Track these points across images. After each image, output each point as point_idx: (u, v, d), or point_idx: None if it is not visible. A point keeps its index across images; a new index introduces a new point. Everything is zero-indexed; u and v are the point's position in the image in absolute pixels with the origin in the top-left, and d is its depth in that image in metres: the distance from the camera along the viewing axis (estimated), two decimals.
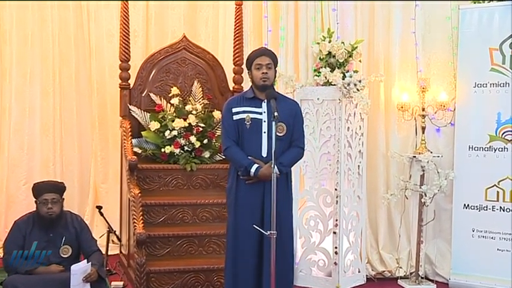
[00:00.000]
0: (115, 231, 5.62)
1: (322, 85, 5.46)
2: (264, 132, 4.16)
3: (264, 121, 4.17)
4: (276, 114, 3.85)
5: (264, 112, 4.18)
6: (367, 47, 5.98)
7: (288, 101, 4.39)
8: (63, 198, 4.46)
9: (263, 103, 4.20)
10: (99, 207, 5.67)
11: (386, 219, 5.97)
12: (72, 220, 4.49)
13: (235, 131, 4.21)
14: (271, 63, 4.22)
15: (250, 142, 4.18)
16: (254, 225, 4.01)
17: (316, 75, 5.56)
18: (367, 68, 5.98)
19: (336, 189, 5.33)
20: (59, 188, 4.46)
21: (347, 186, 5.41)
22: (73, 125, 6.45)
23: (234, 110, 4.23)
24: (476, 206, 5.51)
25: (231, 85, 6.02)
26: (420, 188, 5.57)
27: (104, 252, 5.11)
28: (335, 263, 5.31)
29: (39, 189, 4.39)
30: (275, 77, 4.33)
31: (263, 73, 4.17)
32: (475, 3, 5.63)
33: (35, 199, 4.41)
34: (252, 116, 4.18)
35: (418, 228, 5.65)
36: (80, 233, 4.47)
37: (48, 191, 4.37)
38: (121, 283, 5.18)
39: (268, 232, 3.82)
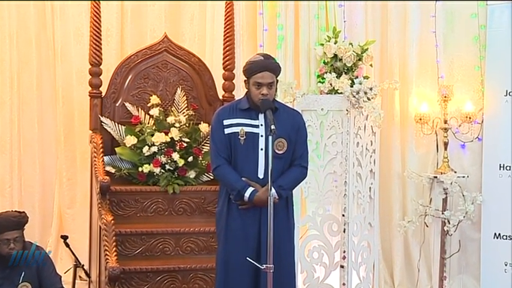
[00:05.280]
0: (83, 265, 5.59)
1: (327, 93, 5.47)
2: (261, 149, 4.14)
3: (261, 136, 4.15)
4: (272, 127, 3.85)
5: (262, 125, 4.17)
6: (380, 48, 6.03)
7: (290, 111, 4.38)
8: (24, 228, 4.43)
9: (260, 114, 4.18)
10: (65, 237, 5.63)
11: (402, 250, 5.98)
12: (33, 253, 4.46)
13: (227, 147, 4.19)
14: (273, 82, 4.18)
15: (244, 161, 4.17)
16: (247, 258, 3.98)
17: (320, 82, 5.57)
18: (379, 73, 6.02)
19: (343, 215, 5.32)
20: (21, 224, 4.44)
21: (356, 211, 5.40)
22: (34, 141, 6.39)
23: (226, 122, 4.21)
24: (509, 236, 5.52)
25: (221, 93, 6.01)
26: (442, 213, 5.58)
27: None
28: None
29: None
30: (276, 89, 4.30)
31: (262, 94, 4.13)
32: None
33: None
34: (246, 129, 4.16)
35: (441, 262, 5.65)
36: (42, 268, 4.44)
37: (10, 228, 4.34)
38: None
39: (264, 266, 3.80)
